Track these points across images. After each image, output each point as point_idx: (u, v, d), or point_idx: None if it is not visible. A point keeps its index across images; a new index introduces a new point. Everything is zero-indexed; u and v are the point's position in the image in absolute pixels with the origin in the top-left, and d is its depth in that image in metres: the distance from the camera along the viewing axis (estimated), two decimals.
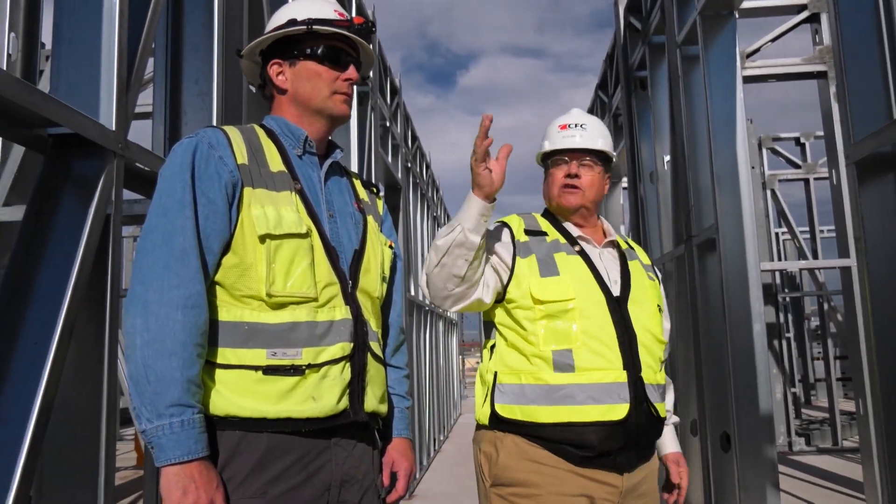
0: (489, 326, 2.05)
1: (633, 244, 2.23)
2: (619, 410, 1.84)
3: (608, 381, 1.86)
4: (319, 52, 1.61)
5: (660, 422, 1.94)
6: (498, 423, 1.91)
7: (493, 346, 2.01)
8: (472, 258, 1.82)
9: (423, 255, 9.59)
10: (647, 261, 2.20)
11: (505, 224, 2.07)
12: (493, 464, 1.89)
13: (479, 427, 1.99)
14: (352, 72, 1.64)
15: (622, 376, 1.87)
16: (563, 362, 1.86)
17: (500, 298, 1.99)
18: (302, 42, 1.62)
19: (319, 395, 1.45)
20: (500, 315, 2.00)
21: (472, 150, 1.78)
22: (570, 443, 1.83)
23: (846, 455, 8.70)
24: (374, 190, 1.87)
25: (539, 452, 1.84)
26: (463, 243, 1.80)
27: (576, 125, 2.13)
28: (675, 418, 2.20)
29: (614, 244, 2.11)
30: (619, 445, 1.85)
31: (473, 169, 1.78)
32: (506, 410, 1.89)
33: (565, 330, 1.89)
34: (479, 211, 1.80)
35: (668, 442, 2.14)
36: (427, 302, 9.70)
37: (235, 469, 1.40)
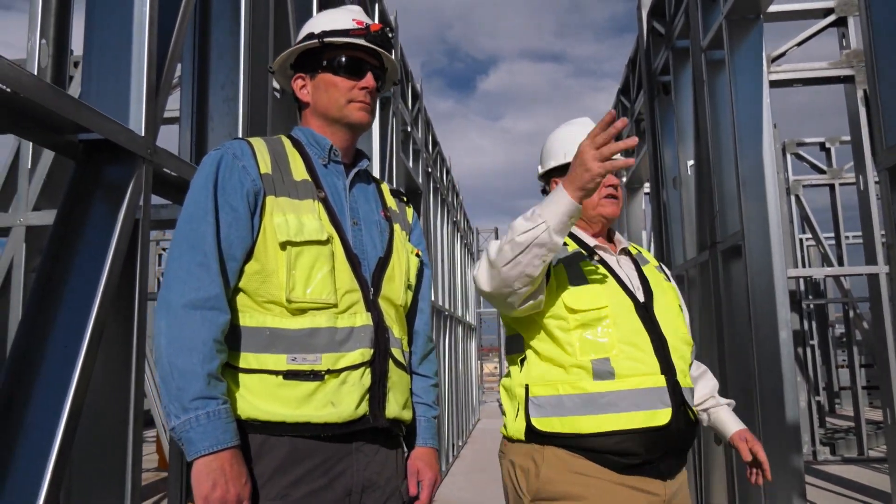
0: (515, 340, 1.99)
1: (639, 248, 2.21)
2: (662, 416, 1.81)
3: (648, 386, 1.83)
4: (335, 63, 1.64)
5: (695, 425, 1.91)
6: (535, 436, 1.84)
7: (522, 360, 1.95)
8: (549, 259, 1.70)
9: (442, 260, 9.58)
10: (655, 262, 2.19)
11: None
12: (534, 477, 1.83)
13: (511, 441, 1.92)
14: (368, 79, 1.65)
15: (661, 381, 1.84)
16: (602, 370, 1.82)
17: None
18: (320, 55, 1.65)
19: (338, 401, 1.46)
20: (529, 327, 1.94)
21: (590, 145, 1.60)
22: (614, 451, 1.78)
23: (872, 465, 8.56)
24: (404, 199, 1.87)
25: (583, 464, 1.79)
26: (545, 243, 1.65)
27: None
28: (729, 400, 2.16)
29: (626, 251, 2.10)
30: (662, 451, 1.81)
31: (592, 169, 1.60)
32: (544, 424, 1.83)
33: (601, 338, 1.86)
34: (570, 213, 1.65)
35: (731, 422, 2.09)
36: (446, 307, 9.69)
37: (258, 471, 1.42)
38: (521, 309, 1.80)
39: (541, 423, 1.84)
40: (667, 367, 1.86)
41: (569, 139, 2.12)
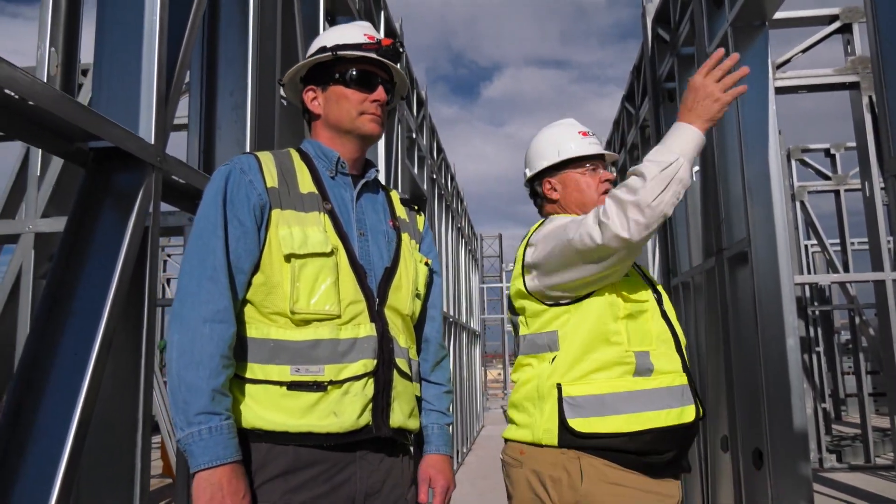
0: (545, 337, 1.92)
1: None
2: (689, 413, 1.84)
3: (678, 383, 1.85)
4: (347, 76, 1.67)
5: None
6: (571, 439, 1.79)
7: (553, 358, 1.88)
8: (681, 197, 1.70)
9: (447, 265, 9.57)
10: None
11: None
12: (569, 489, 1.77)
13: (536, 446, 1.85)
14: (380, 93, 1.69)
15: (684, 378, 1.87)
16: (643, 367, 1.82)
17: (577, 298, 1.88)
18: (332, 68, 1.69)
19: (341, 411, 1.49)
20: (572, 319, 1.88)
21: (710, 78, 1.69)
22: (647, 451, 1.78)
23: (879, 472, 8.52)
24: (415, 207, 1.89)
25: (618, 474, 1.78)
26: (682, 179, 1.66)
27: (592, 133, 2.16)
28: None
29: None
30: (686, 447, 1.85)
31: (721, 98, 1.68)
32: (582, 424, 1.78)
33: (644, 330, 1.86)
34: (699, 145, 1.69)
35: None
36: (451, 313, 9.68)
37: (262, 479, 1.46)
38: (632, 257, 1.78)
39: (579, 424, 1.78)
40: (685, 365, 1.89)
41: (558, 139, 2.14)
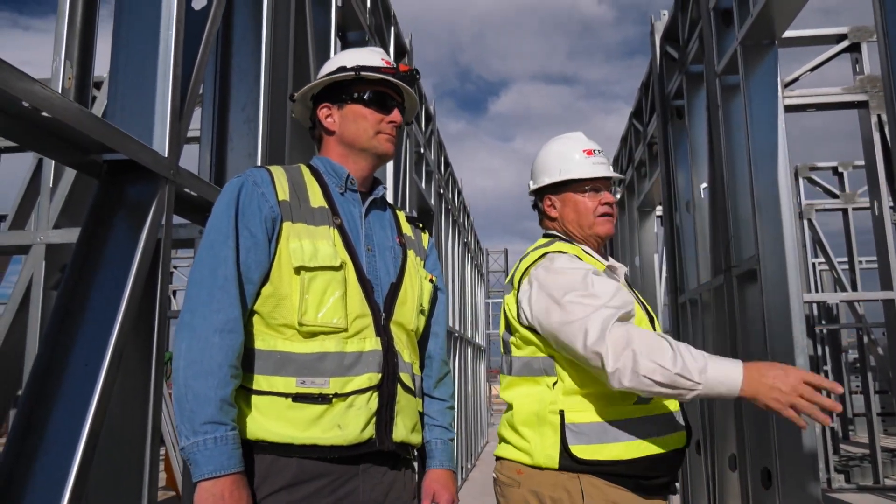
0: (542, 362, 1.90)
1: None
2: (681, 438, 1.87)
3: (673, 409, 1.88)
4: (366, 96, 1.71)
5: None
6: (571, 464, 1.79)
7: (554, 383, 1.87)
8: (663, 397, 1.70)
9: (452, 280, 9.57)
10: None
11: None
12: None
13: (536, 469, 1.84)
14: (396, 115, 1.74)
15: (677, 404, 1.89)
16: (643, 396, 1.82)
17: None
18: (350, 87, 1.73)
19: (345, 424, 1.50)
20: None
21: (803, 381, 1.55)
22: (644, 475, 1.81)
23: (888, 494, 8.43)
24: (419, 225, 1.90)
25: (617, 492, 1.80)
26: (680, 395, 1.62)
27: (599, 152, 2.12)
28: None
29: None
30: (676, 472, 1.88)
31: (786, 403, 1.54)
32: (586, 452, 1.78)
33: None
34: (725, 395, 1.60)
35: None
36: (456, 328, 9.67)
37: (266, 490, 1.46)
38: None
39: (581, 451, 1.79)
40: None
41: (563, 156, 2.11)
